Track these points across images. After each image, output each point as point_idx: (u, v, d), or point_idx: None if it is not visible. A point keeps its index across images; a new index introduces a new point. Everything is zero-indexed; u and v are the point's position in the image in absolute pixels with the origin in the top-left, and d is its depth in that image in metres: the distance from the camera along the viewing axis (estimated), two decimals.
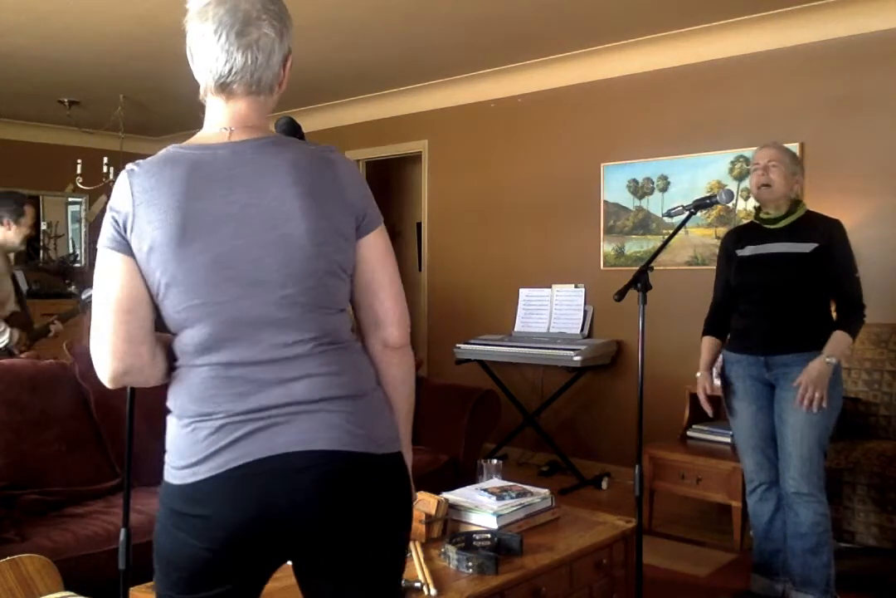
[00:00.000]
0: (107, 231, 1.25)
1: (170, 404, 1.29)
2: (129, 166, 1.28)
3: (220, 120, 1.30)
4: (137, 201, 1.23)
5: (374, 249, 1.33)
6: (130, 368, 1.25)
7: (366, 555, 1.29)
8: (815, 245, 2.75)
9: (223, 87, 1.29)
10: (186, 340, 1.26)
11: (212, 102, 1.32)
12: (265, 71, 1.29)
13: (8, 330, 3.73)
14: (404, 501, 1.33)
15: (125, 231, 1.23)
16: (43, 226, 7.04)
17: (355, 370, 1.31)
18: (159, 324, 1.29)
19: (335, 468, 1.23)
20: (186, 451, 1.23)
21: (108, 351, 1.24)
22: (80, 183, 5.70)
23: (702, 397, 2.96)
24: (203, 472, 1.21)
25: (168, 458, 1.27)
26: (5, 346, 3.72)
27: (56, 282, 6.78)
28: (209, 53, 1.26)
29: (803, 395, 2.66)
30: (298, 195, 1.24)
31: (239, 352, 1.23)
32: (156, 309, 1.27)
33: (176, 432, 1.26)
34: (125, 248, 1.24)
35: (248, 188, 1.23)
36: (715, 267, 3.07)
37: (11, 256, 4.16)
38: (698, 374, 2.98)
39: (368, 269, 1.33)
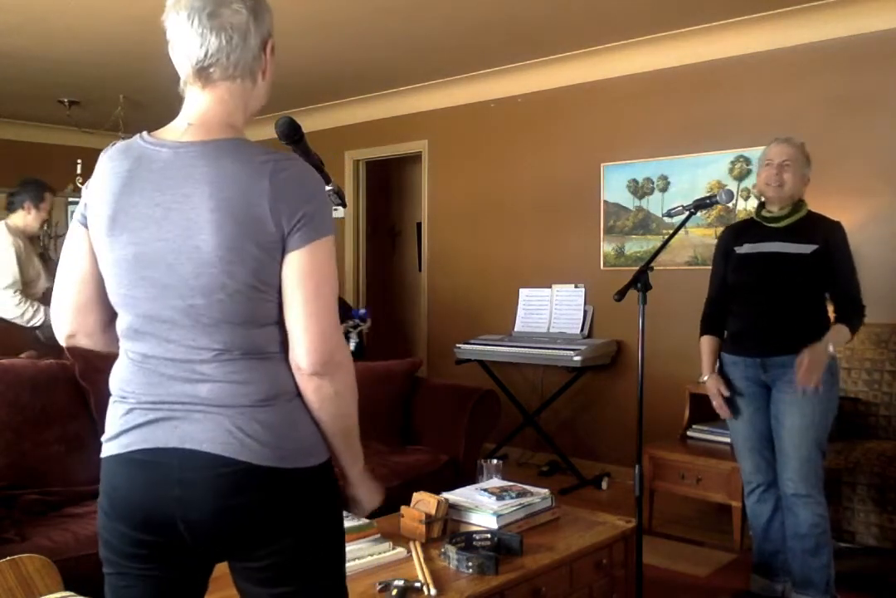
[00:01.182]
0: (80, 205, 1.35)
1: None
2: (107, 147, 1.34)
3: (188, 113, 1.31)
4: (92, 187, 1.32)
5: (295, 267, 1.25)
6: (76, 332, 1.38)
7: (265, 562, 1.28)
8: (816, 247, 2.74)
9: (201, 73, 1.29)
10: (118, 323, 1.33)
11: (188, 93, 1.32)
12: (242, 52, 1.29)
13: (42, 308, 3.93)
14: (298, 514, 1.28)
15: (85, 209, 1.33)
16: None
17: (265, 381, 1.27)
18: None
19: (217, 473, 1.23)
20: (108, 425, 1.32)
21: (58, 316, 1.38)
22: (80, 183, 5.69)
23: (716, 402, 2.88)
24: (114, 448, 1.30)
25: None
26: (43, 323, 3.88)
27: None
28: (185, 40, 1.28)
29: (802, 374, 2.60)
30: (212, 209, 1.21)
31: (152, 347, 1.28)
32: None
33: (109, 405, 1.35)
34: (86, 222, 1.33)
35: (175, 193, 1.24)
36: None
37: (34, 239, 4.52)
38: (705, 377, 2.94)
39: (287, 286, 1.26)
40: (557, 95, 5.07)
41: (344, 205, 2.05)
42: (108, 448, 1.30)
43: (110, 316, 1.35)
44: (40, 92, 5.69)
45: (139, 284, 1.26)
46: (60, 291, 1.37)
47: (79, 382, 3.06)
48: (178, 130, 1.29)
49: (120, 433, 1.29)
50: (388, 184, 7.17)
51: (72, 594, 1.97)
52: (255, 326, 1.26)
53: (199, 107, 1.31)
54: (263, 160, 1.24)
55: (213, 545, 1.28)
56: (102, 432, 1.34)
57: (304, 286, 1.25)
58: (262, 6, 1.32)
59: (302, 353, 1.26)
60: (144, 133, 1.31)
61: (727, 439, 3.75)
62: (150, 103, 5.83)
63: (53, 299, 1.38)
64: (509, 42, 4.61)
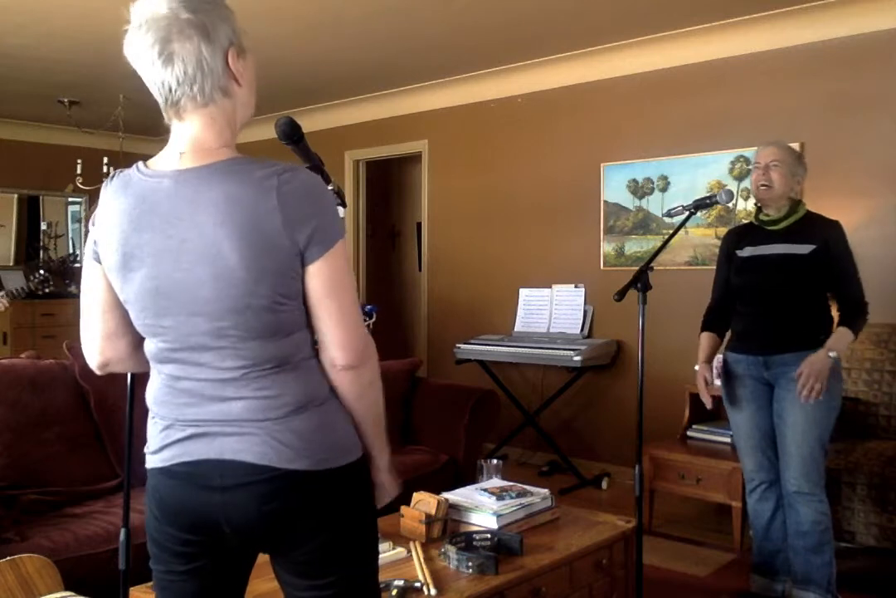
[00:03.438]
0: (89, 241, 1.38)
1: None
2: (108, 180, 1.35)
3: (177, 141, 1.31)
4: (99, 223, 1.33)
5: (319, 280, 1.28)
6: (110, 360, 1.42)
7: (305, 557, 1.34)
8: (813, 247, 2.76)
9: (174, 107, 1.30)
10: (146, 347, 1.37)
11: (172, 124, 1.33)
12: (204, 78, 1.27)
13: None
14: (335, 511, 1.33)
15: (96, 246, 1.35)
16: (43, 226, 7.04)
17: (296, 391, 1.31)
18: None
19: (256, 480, 1.28)
20: (150, 439, 1.38)
21: (90, 346, 1.42)
22: (80, 183, 5.70)
23: (701, 388, 2.96)
24: (157, 461, 1.36)
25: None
26: None
27: (56, 282, 6.77)
28: (149, 80, 1.30)
29: (804, 385, 2.65)
30: (227, 235, 1.22)
31: (185, 369, 1.32)
32: None
33: (148, 421, 1.40)
34: (98, 258, 1.36)
35: (186, 223, 1.24)
36: (715, 267, 3.08)
37: None
38: (697, 367, 2.99)
39: (314, 298, 1.30)
40: (557, 95, 5.07)
41: (344, 205, 2.05)
42: (152, 461, 1.37)
43: (138, 339, 1.39)
44: (40, 92, 5.69)
45: (164, 314, 1.29)
46: (87, 324, 1.41)
47: (79, 382, 3.06)
48: (172, 158, 1.30)
49: (161, 448, 1.35)
50: (388, 184, 7.17)
51: (72, 594, 1.97)
52: (282, 336, 1.30)
53: (185, 135, 1.30)
54: (265, 175, 1.24)
55: (257, 544, 1.36)
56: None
57: (331, 293, 1.30)
58: (214, 18, 1.27)
59: (338, 350, 1.31)
60: (141, 164, 1.32)
61: (727, 439, 3.76)
62: (150, 103, 5.79)
63: (82, 332, 1.42)
64: (509, 42, 4.61)
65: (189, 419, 1.32)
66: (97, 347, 1.41)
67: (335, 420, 1.35)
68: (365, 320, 4.39)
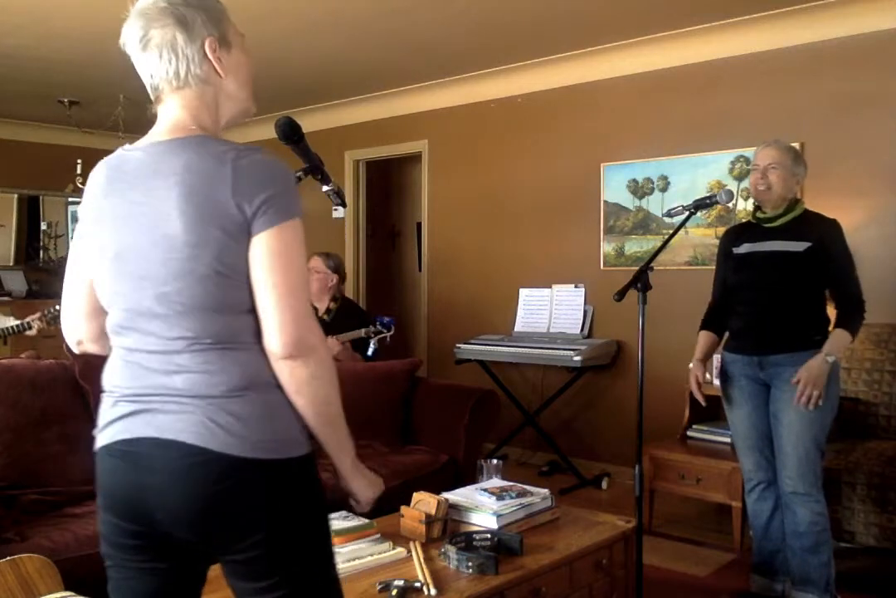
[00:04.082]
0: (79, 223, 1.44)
1: None
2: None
3: (159, 122, 1.38)
4: (82, 198, 1.42)
5: (261, 249, 1.26)
6: (83, 339, 1.45)
7: (244, 555, 1.29)
8: (809, 244, 2.75)
9: (154, 92, 1.38)
10: (107, 321, 1.39)
11: (157, 110, 1.40)
12: (179, 64, 1.34)
13: None
14: (271, 507, 1.28)
15: (79, 222, 1.43)
16: (43, 226, 7.04)
17: (237, 370, 1.28)
18: None
19: (190, 462, 1.25)
20: (99, 418, 1.37)
21: (69, 324, 1.45)
22: (80, 183, 5.68)
23: (694, 386, 2.97)
24: (100, 441, 1.35)
25: None
26: None
27: (56, 282, 6.77)
28: (138, 69, 1.38)
29: (801, 392, 2.66)
30: (177, 199, 1.25)
31: (135, 340, 1.33)
32: None
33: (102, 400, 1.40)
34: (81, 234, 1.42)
35: (144, 188, 1.30)
36: (714, 266, 3.08)
37: None
38: (691, 364, 2.99)
39: (255, 270, 1.27)
40: (557, 95, 5.07)
41: (344, 205, 2.05)
42: (98, 441, 1.36)
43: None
44: (40, 92, 5.69)
45: (120, 279, 1.32)
46: (69, 301, 1.44)
47: (79, 382, 3.06)
48: (150, 136, 1.37)
49: (106, 426, 1.34)
50: (388, 184, 7.16)
51: (72, 594, 1.97)
52: (227, 313, 1.29)
53: (164, 116, 1.38)
54: (226, 149, 1.29)
55: (191, 534, 1.30)
56: None
57: (272, 268, 1.26)
58: (194, 10, 1.34)
59: (273, 336, 1.27)
60: (127, 144, 1.39)
61: (727, 439, 3.75)
62: (150, 103, 5.83)
63: (63, 310, 1.45)
64: (509, 42, 4.61)
65: (135, 394, 1.31)
66: (76, 324, 1.44)
67: (279, 411, 1.30)
68: (381, 332, 4.35)
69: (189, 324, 1.28)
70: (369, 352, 3.83)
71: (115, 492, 1.33)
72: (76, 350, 1.49)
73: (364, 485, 1.45)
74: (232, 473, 1.26)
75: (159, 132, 1.36)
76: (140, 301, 1.30)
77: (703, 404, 2.99)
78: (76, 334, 1.45)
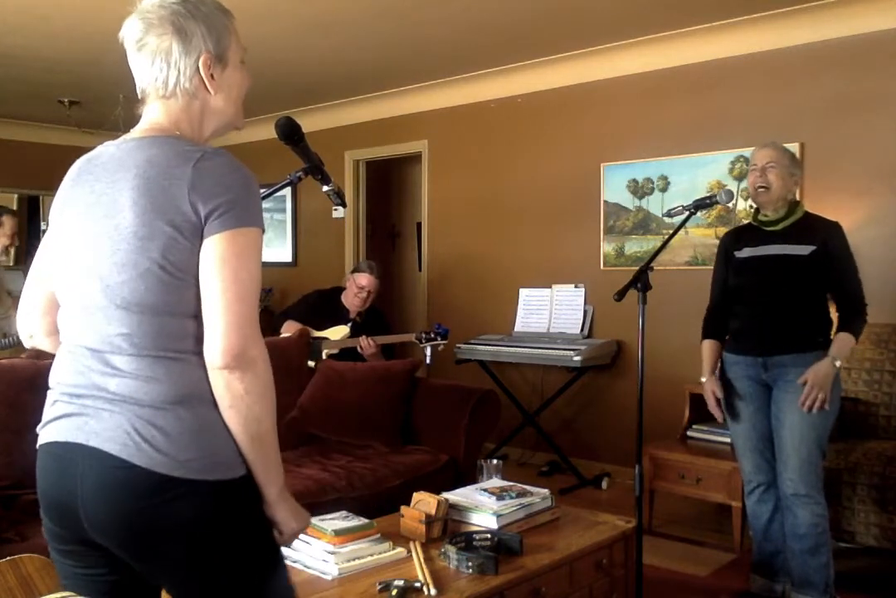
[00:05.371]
0: None
1: None
2: None
3: (140, 122, 1.40)
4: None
5: (212, 252, 1.22)
6: (35, 333, 1.44)
7: (166, 577, 1.29)
8: (813, 248, 2.75)
9: (141, 95, 1.40)
10: (59, 315, 1.37)
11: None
12: (170, 74, 1.34)
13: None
14: (199, 533, 1.23)
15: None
16: (43, 226, 7.04)
17: (172, 380, 1.23)
18: None
19: (114, 474, 1.22)
20: (43, 415, 1.35)
21: (25, 317, 1.45)
22: None
23: (711, 403, 2.93)
24: (40, 439, 1.34)
25: None
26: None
27: None
28: (131, 68, 1.38)
29: (808, 395, 2.65)
30: (133, 187, 1.25)
31: (77, 334, 1.31)
32: None
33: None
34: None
35: (108, 180, 1.30)
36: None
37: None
38: (703, 379, 2.96)
39: (203, 273, 1.23)
40: (557, 95, 5.07)
41: (344, 205, 2.05)
42: (39, 438, 1.35)
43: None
44: (40, 92, 5.69)
45: (72, 269, 1.32)
46: (27, 293, 1.44)
47: None
48: (129, 133, 1.39)
49: (45, 424, 1.33)
50: (388, 184, 7.16)
51: (72, 594, 1.97)
52: (168, 314, 1.24)
53: (145, 118, 1.39)
54: (193, 149, 1.28)
55: (114, 545, 1.26)
56: None
57: (221, 273, 1.22)
58: (196, 23, 1.33)
59: (213, 343, 1.22)
60: (108, 141, 1.40)
61: (727, 440, 3.75)
62: None
63: (21, 302, 1.46)
64: (509, 42, 4.60)
65: (72, 393, 1.28)
66: (32, 318, 1.43)
67: (213, 428, 1.24)
68: (434, 338, 4.41)
69: (126, 319, 1.24)
70: (427, 360, 3.99)
71: (47, 494, 1.31)
72: (27, 344, 1.47)
73: (289, 516, 1.34)
74: (155, 491, 1.20)
75: (136, 130, 1.38)
76: (85, 291, 1.29)
77: (721, 420, 2.95)
78: (29, 327, 1.44)
